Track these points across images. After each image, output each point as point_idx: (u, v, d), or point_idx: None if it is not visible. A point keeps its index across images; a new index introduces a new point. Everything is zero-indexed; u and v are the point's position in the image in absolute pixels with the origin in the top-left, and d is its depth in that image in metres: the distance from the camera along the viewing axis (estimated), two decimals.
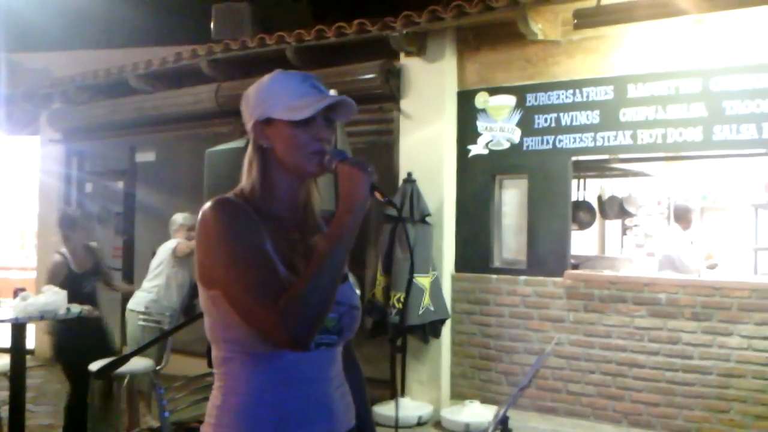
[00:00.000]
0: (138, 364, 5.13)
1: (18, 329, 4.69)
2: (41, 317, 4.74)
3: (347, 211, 1.60)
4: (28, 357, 8.37)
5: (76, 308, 4.87)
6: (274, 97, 1.69)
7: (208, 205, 1.64)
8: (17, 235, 14.17)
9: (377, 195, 1.65)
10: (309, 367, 1.68)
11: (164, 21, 9.89)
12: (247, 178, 1.72)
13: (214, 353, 1.69)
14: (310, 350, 1.65)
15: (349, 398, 1.81)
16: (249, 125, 1.73)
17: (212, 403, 1.70)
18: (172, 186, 8.10)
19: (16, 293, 4.79)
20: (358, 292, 1.82)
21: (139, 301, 5.84)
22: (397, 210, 1.71)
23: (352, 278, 1.82)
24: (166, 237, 6.09)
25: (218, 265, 1.59)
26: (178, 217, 6.07)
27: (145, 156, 8.82)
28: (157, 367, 5.31)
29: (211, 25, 8.11)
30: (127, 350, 5.46)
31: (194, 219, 5.82)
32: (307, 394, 1.67)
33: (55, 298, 4.77)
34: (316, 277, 1.55)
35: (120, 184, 9.05)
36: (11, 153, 11.55)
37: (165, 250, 5.95)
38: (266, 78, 1.74)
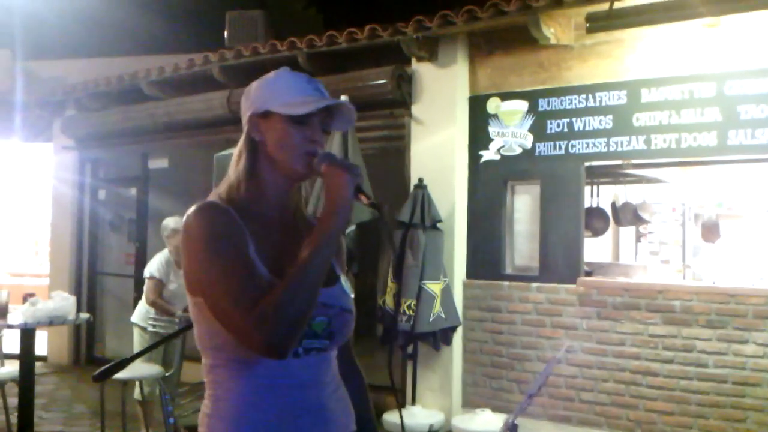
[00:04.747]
0: (146, 370, 5.11)
1: (27, 334, 4.69)
2: (50, 322, 4.74)
3: (331, 214, 1.57)
4: (41, 363, 8.42)
5: (84, 315, 4.86)
6: (276, 91, 1.68)
7: (191, 210, 1.62)
8: (31, 243, 14.28)
9: (362, 198, 1.61)
10: (299, 373, 1.64)
11: (178, 29, 9.94)
12: (233, 171, 1.70)
13: (203, 361, 1.68)
14: (298, 357, 1.62)
15: (346, 402, 1.77)
16: (245, 117, 1.71)
17: (203, 412, 1.68)
18: (185, 192, 8.07)
19: (25, 299, 4.79)
20: (351, 294, 1.78)
21: (143, 316, 5.68)
22: (380, 212, 1.67)
23: (344, 280, 1.78)
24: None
25: (199, 271, 1.57)
26: (170, 222, 5.78)
27: (158, 162, 8.84)
28: (167, 374, 5.28)
29: (225, 33, 8.14)
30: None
31: None
32: (298, 400, 1.64)
33: (63, 303, 4.77)
34: (296, 282, 1.50)
35: (133, 191, 9.07)
36: (25, 160, 11.65)
37: (164, 261, 5.80)
38: (272, 73, 1.73)
